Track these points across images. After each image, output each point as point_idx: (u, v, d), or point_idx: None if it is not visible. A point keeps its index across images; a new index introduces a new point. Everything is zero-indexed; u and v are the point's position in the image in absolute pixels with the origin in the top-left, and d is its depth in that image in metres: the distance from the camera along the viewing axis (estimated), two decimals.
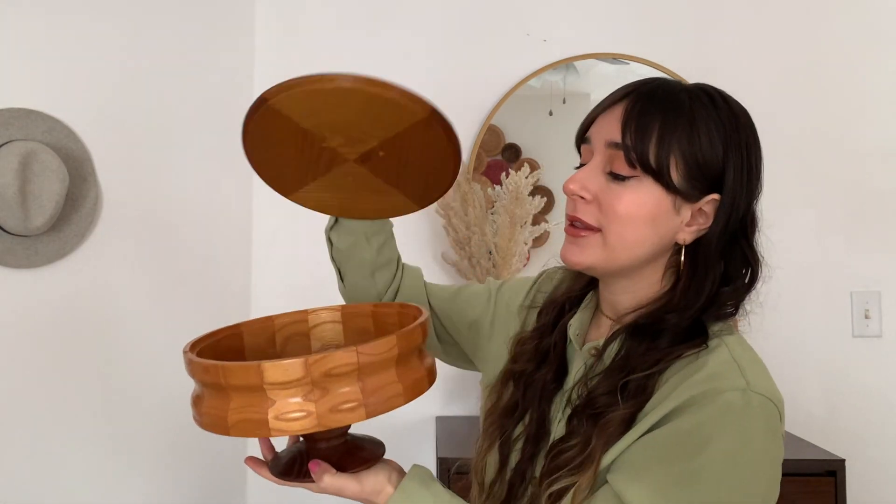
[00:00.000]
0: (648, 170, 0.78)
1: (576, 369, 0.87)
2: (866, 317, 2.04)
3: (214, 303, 1.91)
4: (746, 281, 0.84)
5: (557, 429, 0.85)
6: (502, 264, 1.89)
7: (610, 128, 0.80)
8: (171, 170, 1.83)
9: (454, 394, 2.01)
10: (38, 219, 1.51)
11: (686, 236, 0.81)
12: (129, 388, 1.73)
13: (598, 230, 0.81)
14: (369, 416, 0.71)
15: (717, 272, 0.82)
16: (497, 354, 1.00)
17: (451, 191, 1.94)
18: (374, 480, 0.78)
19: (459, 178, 1.96)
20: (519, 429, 0.88)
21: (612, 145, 0.80)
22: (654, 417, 0.75)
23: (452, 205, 1.92)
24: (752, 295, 0.84)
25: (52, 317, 1.61)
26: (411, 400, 0.74)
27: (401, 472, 0.81)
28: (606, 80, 2.07)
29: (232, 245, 2.00)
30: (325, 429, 0.69)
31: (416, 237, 2.05)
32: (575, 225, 0.83)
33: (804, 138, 2.07)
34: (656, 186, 0.79)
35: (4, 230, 1.51)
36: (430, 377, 0.79)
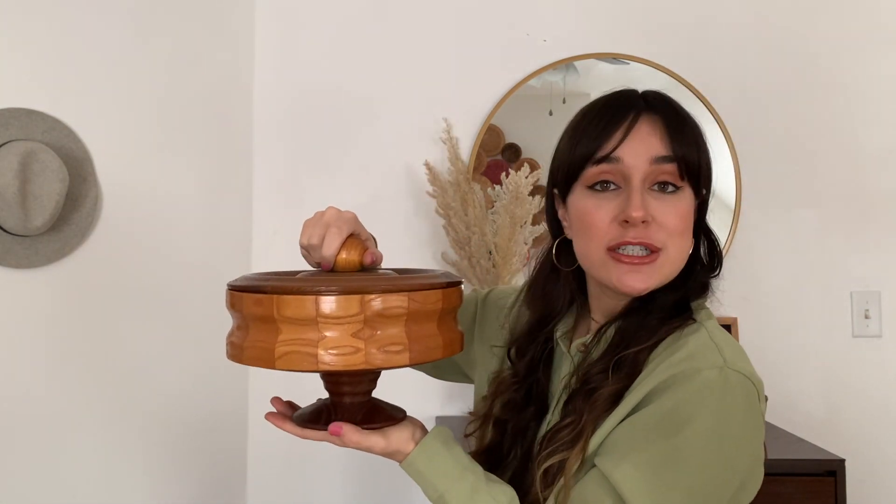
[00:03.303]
0: (693, 178, 0.81)
1: (565, 368, 0.88)
2: (866, 317, 2.04)
3: (214, 303, 1.91)
4: (714, 259, 0.88)
5: (551, 421, 0.85)
6: (502, 264, 1.89)
7: (648, 144, 0.80)
8: (171, 170, 1.83)
9: (454, 394, 2.01)
10: (38, 219, 1.51)
11: None
12: (129, 388, 1.73)
13: (660, 249, 0.81)
14: (412, 361, 0.73)
15: (701, 255, 0.87)
16: (483, 362, 1.01)
17: (451, 190, 1.95)
18: (398, 437, 0.78)
19: (459, 177, 1.96)
20: (505, 465, 0.89)
21: (660, 160, 0.80)
22: (636, 397, 0.77)
23: (452, 205, 1.92)
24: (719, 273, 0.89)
25: (52, 317, 1.61)
26: (447, 356, 0.77)
27: (424, 430, 0.81)
28: (606, 80, 2.07)
29: (232, 245, 2.00)
30: (370, 367, 0.71)
31: (416, 237, 2.05)
32: (631, 252, 0.80)
33: (804, 138, 2.07)
34: (691, 193, 0.82)
35: (4, 230, 1.51)
36: (461, 342, 0.81)
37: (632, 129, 0.80)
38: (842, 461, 1.58)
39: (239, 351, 0.75)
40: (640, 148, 0.80)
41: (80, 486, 1.64)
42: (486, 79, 2.07)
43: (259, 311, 0.73)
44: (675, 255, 0.82)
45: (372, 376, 0.80)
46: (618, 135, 0.80)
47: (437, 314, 0.76)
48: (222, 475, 1.97)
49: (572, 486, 0.76)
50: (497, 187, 1.96)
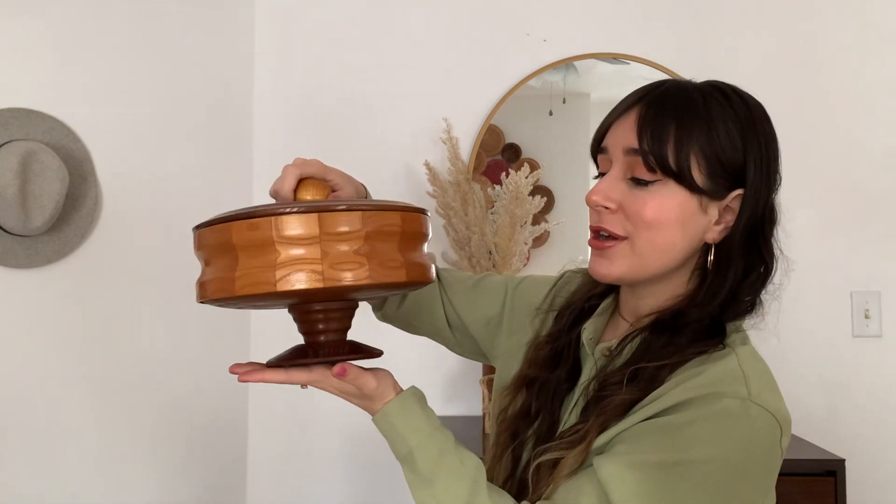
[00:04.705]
0: (669, 173, 0.78)
1: (587, 371, 0.87)
2: (866, 317, 2.04)
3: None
4: (761, 276, 0.84)
5: (568, 421, 0.85)
6: (502, 264, 1.89)
7: (625, 135, 0.80)
8: (171, 170, 1.83)
9: (454, 394, 2.01)
10: (38, 219, 1.51)
11: (715, 235, 0.82)
12: (129, 388, 1.73)
13: (624, 238, 0.80)
14: (373, 279, 0.72)
15: (739, 267, 0.83)
16: (510, 353, 0.99)
17: (451, 190, 1.95)
18: (384, 381, 0.80)
19: (459, 177, 1.96)
20: (531, 430, 0.89)
21: (631, 152, 0.79)
22: (650, 410, 0.76)
23: (452, 205, 1.92)
24: (769, 291, 0.85)
25: (52, 317, 1.61)
26: (412, 280, 0.76)
27: (400, 389, 0.83)
28: (606, 80, 2.07)
29: None
30: (330, 285, 0.71)
31: None
32: (600, 236, 0.82)
33: (804, 138, 2.06)
34: (679, 188, 0.79)
35: (4, 230, 1.51)
36: (428, 272, 0.80)
37: (615, 121, 0.83)
38: (842, 461, 1.58)
39: (228, 284, 0.73)
40: (617, 138, 0.81)
41: (80, 486, 1.64)
42: (486, 79, 2.07)
43: (219, 239, 0.73)
44: (644, 247, 0.80)
45: (344, 313, 0.80)
46: (605, 127, 0.84)
47: (398, 236, 0.75)
48: (222, 475, 1.97)
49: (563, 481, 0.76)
50: (497, 187, 1.96)
